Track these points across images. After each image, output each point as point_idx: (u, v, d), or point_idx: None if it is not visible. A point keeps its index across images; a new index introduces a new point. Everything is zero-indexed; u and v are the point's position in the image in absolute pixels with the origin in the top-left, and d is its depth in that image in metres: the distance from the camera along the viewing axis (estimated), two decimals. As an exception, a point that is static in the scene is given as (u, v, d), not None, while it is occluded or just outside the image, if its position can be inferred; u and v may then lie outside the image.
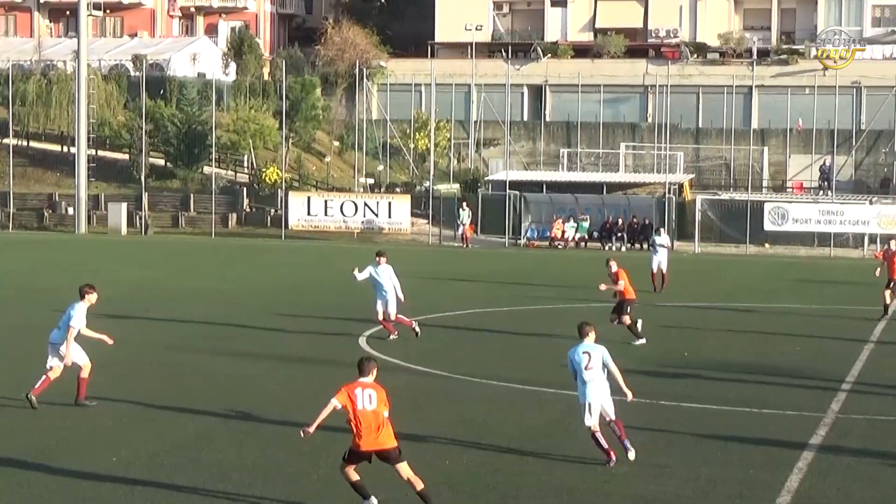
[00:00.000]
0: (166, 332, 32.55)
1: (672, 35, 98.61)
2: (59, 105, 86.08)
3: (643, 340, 31.45)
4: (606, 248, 68.77)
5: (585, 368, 19.43)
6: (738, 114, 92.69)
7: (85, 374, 23.07)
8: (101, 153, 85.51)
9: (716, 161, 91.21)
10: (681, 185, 77.58)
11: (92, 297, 23.56)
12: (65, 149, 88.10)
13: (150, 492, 17.68)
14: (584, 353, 19.52)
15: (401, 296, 32.01)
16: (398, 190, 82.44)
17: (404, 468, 16.55)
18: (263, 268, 53.16)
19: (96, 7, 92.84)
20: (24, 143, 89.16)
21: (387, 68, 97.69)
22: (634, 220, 70.42)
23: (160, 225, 77.53)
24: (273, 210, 77.89)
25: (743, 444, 20.97)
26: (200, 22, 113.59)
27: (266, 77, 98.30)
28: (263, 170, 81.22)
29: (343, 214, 73.97)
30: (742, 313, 39.45)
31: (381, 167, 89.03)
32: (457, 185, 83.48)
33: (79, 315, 23.03)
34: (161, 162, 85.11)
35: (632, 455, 19.33)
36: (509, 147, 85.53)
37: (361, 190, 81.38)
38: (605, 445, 19.32)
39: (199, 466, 19.00)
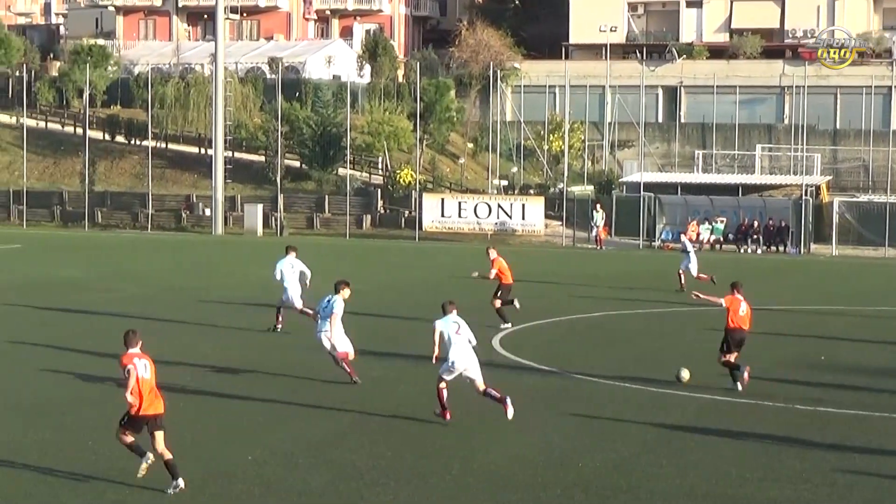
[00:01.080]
0: (300, 332, 32.85)
1: (809, 35, 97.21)
2: (196, 107, 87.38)
3: (509, 325, 33.52)
4: (742, 250, 68.07)
5: (456, 333, 22.00)
6: (877, 115, 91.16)
7: (351, 356, 25.43)
8: (237, 155, 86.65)
9: (854, 163, 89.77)
10: (818, 187, 76.48)
11: (345, 293, 25.79)
12: (202, 151, 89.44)
13: (285, 491, 17.86)
14: (452, 322, 22.26)
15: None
16: (532, 192, 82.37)
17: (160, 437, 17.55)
18: (397, 268, 53.49)
19: (233, 11, 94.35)
20: (163, 146, 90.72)
21: (521, 70, 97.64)
22: (771, 222, 69.54)
23: (295, 226, 78.35)
24: (407, 212, 78.26)
25: (882, 452, 20.62)
26: (335, 24, 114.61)
27: (400, 79, 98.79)
28: (397, 171, 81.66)
29: (477, 216, 74.16)
30: (881, 319, 38.80)
31: (514, 169, 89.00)
32: (591, 187, 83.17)
33: (339, 307, 25.41)
34: (296, 164, 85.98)
35: (510, 413, 21.45)
36: (644, 148, 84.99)
37: (495, 192, 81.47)
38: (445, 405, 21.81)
39: (332, 466, 19.15)
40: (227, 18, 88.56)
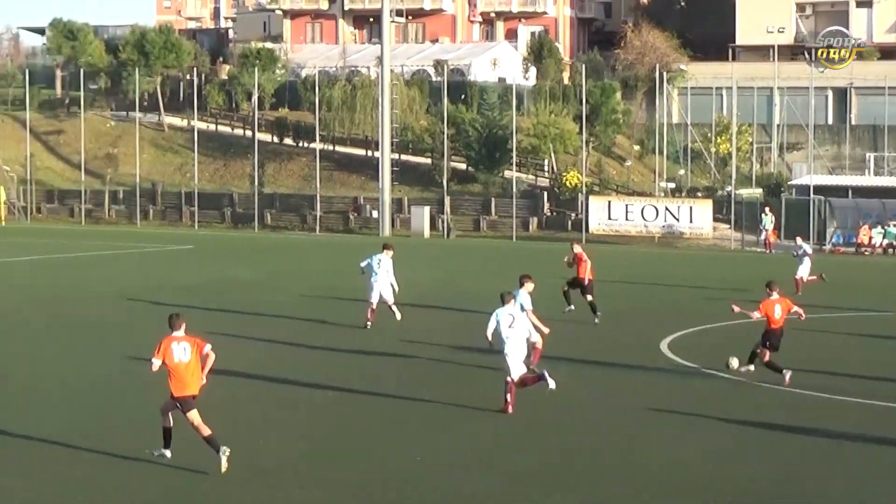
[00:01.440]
0: (461, 333, 32.99)
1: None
2: (363, 110, 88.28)
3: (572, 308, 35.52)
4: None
5: (509, 327, 22.87)
6: None
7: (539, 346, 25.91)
8: (403, 157, 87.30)
9: None
10: None
11: (529, 286, 26.60)
12: (369, 153, 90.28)
13: (453, 494, 17.93)
14: (508, 314, 23.07)
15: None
16: (699, 194, 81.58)
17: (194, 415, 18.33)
18: (564, 271, 53.34)
19: (399, 14, 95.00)
20: (330, 148, 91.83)
21: (687, 72, 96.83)
22: (946, 226, 67.99)
23: (462, 228, 78.72)
24: (573, 214, 78.11)
25: None
26: (500, 27, 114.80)
27: (566, 81, 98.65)
28: (564, 174, 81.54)
29: (644, 219, 73.63)
30: None
31: (681, 171, 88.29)
32: (759, 190, 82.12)
33: (527, 300, 26.07)
34: (462, 166, 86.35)
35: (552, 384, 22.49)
36: (813, 151, 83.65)
37: (662, 194, 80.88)
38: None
39: (500, 470, 19.15)
40: (393, 21, 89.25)
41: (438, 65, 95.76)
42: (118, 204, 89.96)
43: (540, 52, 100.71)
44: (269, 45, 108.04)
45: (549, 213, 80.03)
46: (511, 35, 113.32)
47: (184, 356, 18.36)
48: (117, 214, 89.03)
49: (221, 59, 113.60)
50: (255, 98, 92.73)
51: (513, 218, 77.06)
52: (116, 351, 29.67)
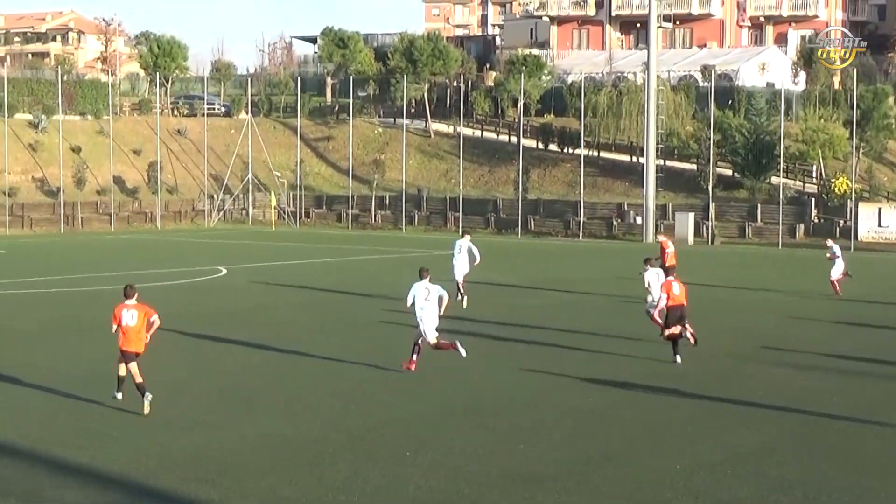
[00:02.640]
0: (729, 341, 32.48)
1: None
2: (628, 116, 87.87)
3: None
4: None
5: (425, 299, 27.21)
6: None
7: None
8: (668, 163, 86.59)
9: None
10: None
11: None
12: (633, 159, 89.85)
13: (712, 502, 17.59)
14: (424, 288, 27.34)
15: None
16: None
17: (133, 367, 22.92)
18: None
19: (666, 19, 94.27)
20: (595, 154, 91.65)
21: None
22: None
23: (726, 235, 77.65)
24: (842, 221, 76.21)
25: None
26: (769, 31, 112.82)
27: (836, 86, 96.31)
28: (832, 180, 79.59)
29: (917, 227, 71.41)
30: None
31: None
32: None
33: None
34: (728, 172, 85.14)
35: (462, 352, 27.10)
36: None
37: (936, 202, 78.23)
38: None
39: (761, 478, 18.72)
40: (660, 27, 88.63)
41: (706, 70, 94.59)
42: (384, 209, 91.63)
43: (810, 56, 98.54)
44: (535, 51, 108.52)
45: (816, 220, 78.22)
46: (780, 39, 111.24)
47: (131, 321, 23.13)
48: (383, 219, 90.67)
49: (488, 65, 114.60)
50: (520, 104, 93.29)
51: (779, 225, 75.64)
52: (385, 350, 30.16)
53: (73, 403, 23.53)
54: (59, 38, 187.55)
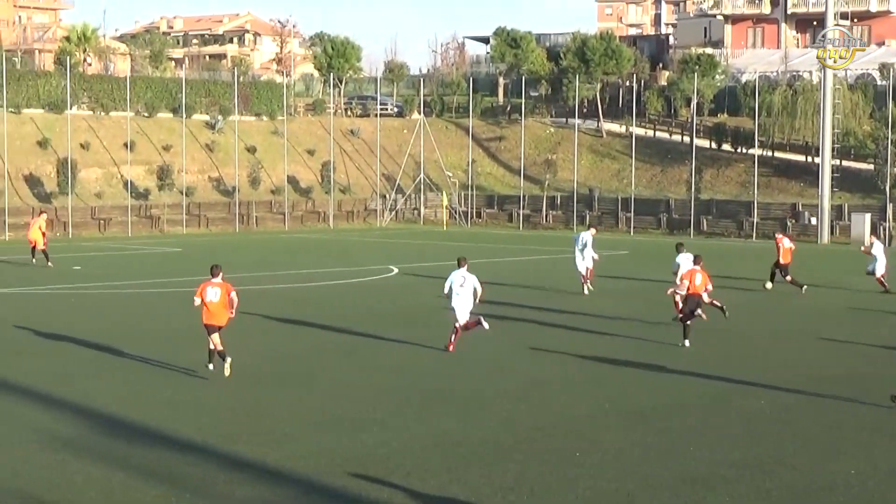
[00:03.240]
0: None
1: None
2: (803, 115, 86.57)
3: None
4: None
5: (461, 286, 29.93)
6: None
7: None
8: (844, 163, 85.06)
9: None
10: None
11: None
12: (808, 159, 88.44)
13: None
14: (461, 276, 30.02)
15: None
16: None
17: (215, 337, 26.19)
18: None
19: (843, 16, 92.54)
20: (769, 154, 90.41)
21: None
22: None
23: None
24: None
25: None
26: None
27: None
28: None
29: None
30: None
31: None
32: None
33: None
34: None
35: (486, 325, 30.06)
36: None
37: None
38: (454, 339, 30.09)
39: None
40: (837, 25, 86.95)
41: (884, 68, 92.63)
42: (555, 209, 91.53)
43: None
44: (709, 50, 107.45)
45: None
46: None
47: (214, 297, 26.30)
48: (554, 220, 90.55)
49: (661, 65, 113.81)
50: (693, 104, 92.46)
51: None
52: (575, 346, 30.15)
53: (248, 400, 23.94)
54: (235, 40, 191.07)
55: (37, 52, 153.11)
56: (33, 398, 23.80)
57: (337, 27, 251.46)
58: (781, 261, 44.88)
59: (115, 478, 17.89)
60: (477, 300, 30.12)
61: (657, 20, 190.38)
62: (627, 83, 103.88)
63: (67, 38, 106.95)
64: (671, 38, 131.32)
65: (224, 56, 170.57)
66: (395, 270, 53.39)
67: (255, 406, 23.27)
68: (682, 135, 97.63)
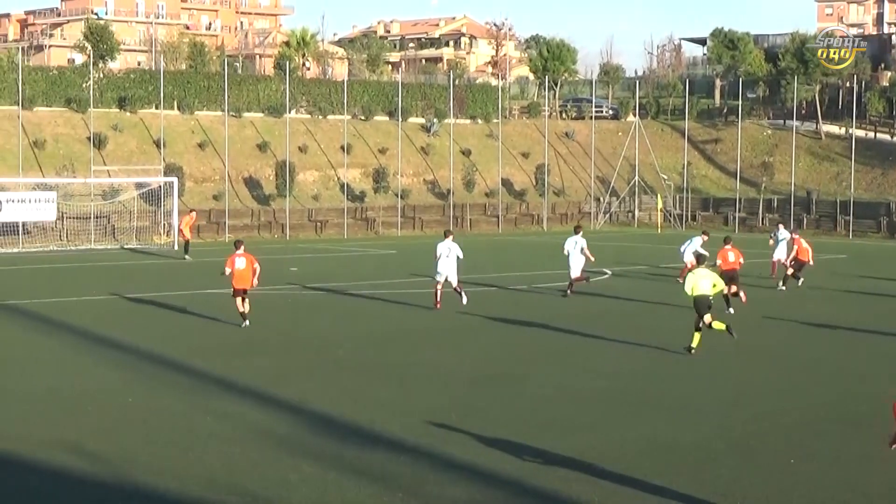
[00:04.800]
0: None
1: None
2: None
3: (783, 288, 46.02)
4: None
5: (446, 256, 38.31)
6: None
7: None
8: None
9: None
10: None
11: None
12: None
13: None
14: (447, 247, 38.26)
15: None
16: None
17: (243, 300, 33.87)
18: None
19: None
20: None
21: None
22: None
23: None
24: None
25: None
26: None
27: None
28: None
29: None
30: None
31: None
32: None
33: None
34: None
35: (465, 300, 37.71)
36: None
37: None
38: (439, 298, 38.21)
39: None
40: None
41: None
42: (772, 212, 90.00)
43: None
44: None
45: None
46: None
47: (241, 265, 34.01)
48: (770, 223, 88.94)
49: (883, 65, 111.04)
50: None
51: None
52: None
53: (459, 401, 24.09)
54: (451, 43, 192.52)
55: (257, 57, 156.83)
56: (251, 397, 24.33)
57: (552, 29, 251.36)
58: (799, 258, 47.25)
59: (328, 476, 18.17)
60: (459, 266, 39.01)
61: (879, 19, 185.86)
62: (847, 84, 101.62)
63: (287, 44, 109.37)
64: (894, 38, 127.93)
65: (440, 59, 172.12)
66: (608, 273, 53.12)
67: (466, 408, 23.39)
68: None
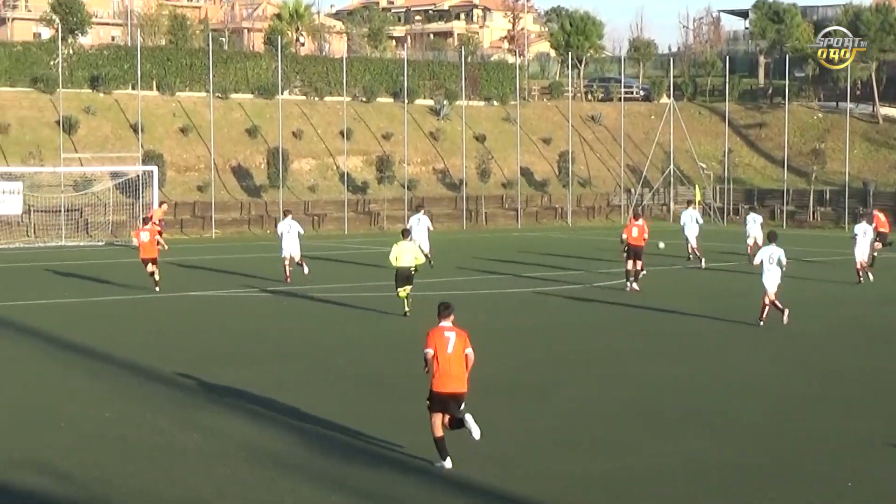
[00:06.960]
0: None
1: None
2: None
3: None
4: None
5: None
6: None
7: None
8: None
9: None
10: None
11: None
12: None
13: None
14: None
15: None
16: None
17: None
18: None
19: None
20: None
21: None
22: None
23: None
24: None
25: None
26: None
27: None
28: None
29: None
30: None
31: None
32: None
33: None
34: None
35: None
36: None
37: None
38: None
39: None
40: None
41: None
42: (824, 205, 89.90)
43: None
44: None
45: None
46: None
47: (145, 238, 43.19)
48: (822, 217, 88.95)
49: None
50: None
51: None
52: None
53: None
54: (462, 15, 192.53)
55: (245, 31, 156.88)
56: (241, 410, 24.33)
57: (576, 0, 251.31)
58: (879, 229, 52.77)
59: (329, 500, 18.19)
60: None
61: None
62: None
63: (278, 16, 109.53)
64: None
65: (450, 34, 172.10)
66: (643, 272, 53.03)
67: (483, 423, 23.32)
68: None
